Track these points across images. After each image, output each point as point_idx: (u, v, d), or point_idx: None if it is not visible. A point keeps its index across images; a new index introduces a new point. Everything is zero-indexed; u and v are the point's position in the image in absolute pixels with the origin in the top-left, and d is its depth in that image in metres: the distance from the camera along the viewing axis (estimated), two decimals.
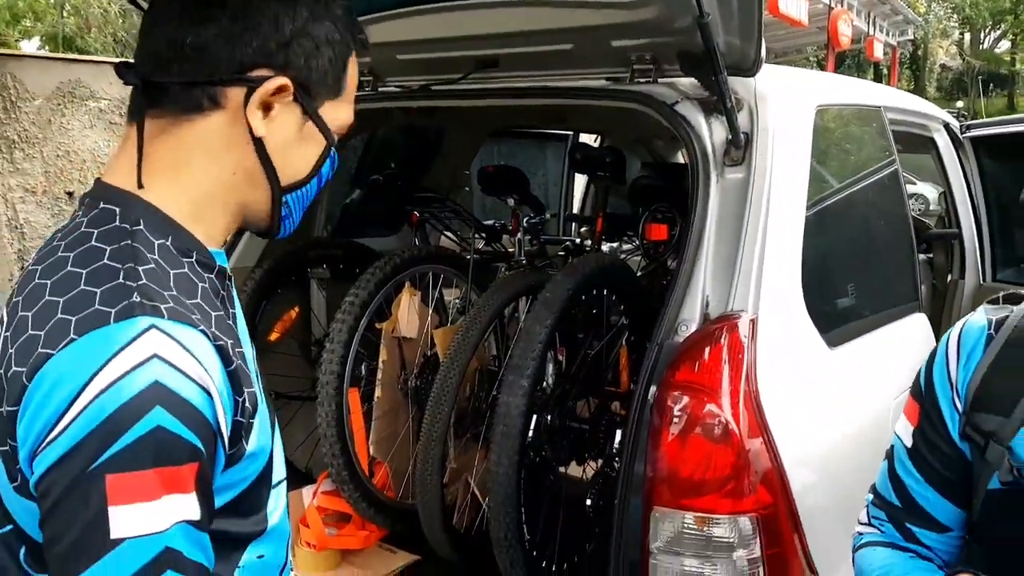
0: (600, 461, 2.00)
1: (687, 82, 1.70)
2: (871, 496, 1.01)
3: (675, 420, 1.32)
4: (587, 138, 4.76)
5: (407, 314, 2.14)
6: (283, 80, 0.74)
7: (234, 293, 0.84)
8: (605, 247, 3.23)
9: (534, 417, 1.91)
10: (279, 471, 0.84)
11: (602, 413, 2.03)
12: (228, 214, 0.79)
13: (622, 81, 1.79)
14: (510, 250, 2.80)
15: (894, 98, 2.45)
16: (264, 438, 0.76)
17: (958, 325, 0.94)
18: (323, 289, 2.52)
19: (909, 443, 0.95)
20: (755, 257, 1.43)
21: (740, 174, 1.56)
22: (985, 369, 0.87)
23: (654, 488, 1.33)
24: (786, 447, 1.34)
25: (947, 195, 3.04)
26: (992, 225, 3.01)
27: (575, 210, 4.30)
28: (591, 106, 1.84)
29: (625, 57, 1.76)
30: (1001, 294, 0.94)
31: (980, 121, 3.03)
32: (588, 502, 1.87)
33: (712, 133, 1.62)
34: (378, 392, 2.08)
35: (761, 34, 1.47)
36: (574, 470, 2.08)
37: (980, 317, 0.92)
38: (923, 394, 0.94)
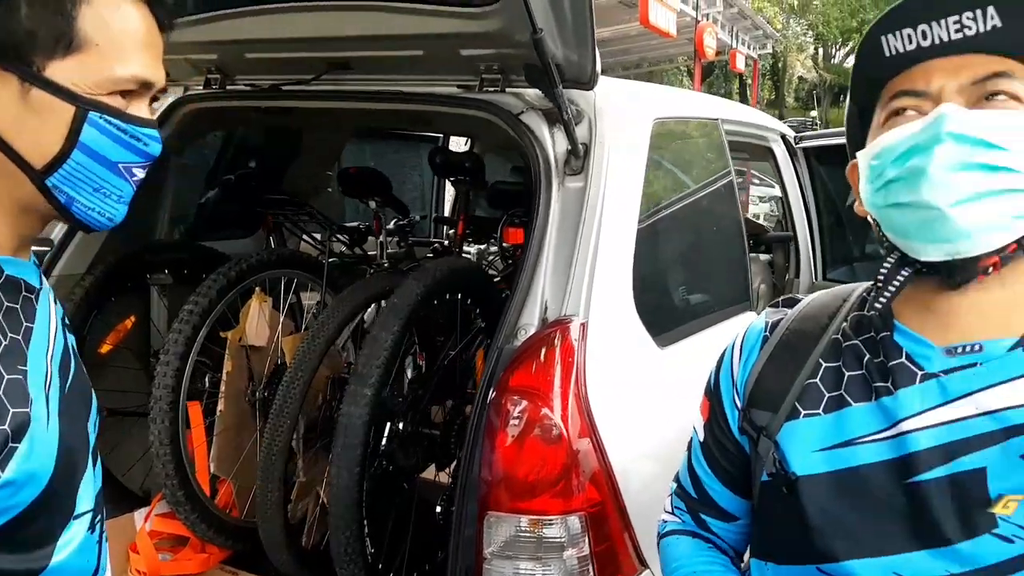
0: (454, 466, 2.02)
1: (533, 93, 1.75)
2: (674, 485, 1.07)
3: (510, 424, 1.36)
4: (459, 141, 4.80)
5: (256, 322, 2.08)
6: None
7: (39, 304, 0.77)
8: (472, 249, 3.27)
9: (387, 425, 1.91)
10: (84, 502, 0.78)
11: (456, 417, 2.05)
12: (3, 214, 0.73)
13: (472, 89, 1.82)
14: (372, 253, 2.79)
15: (732, 111, 2.61)
16: (39, 464, 0.70)
17: (741, 329, 1.01)
18: (164, 296, 2.38)
19: (701, 437, 1.02)
20: (587, 263, 1.50)
21: (579, 183, 1.63)
22: (760, 368, 0.93)
23: (490, 492, 1.37)
24: (614, 446, 1.41)
25: (784, 200, 3.28)
26: (823, 228, 3.28)
27: (447, 212, 4.33)
28: (444, 112, 1.85)
29: (474, 66, 1.79)
30: (781, 298, 1.02)
31: (811, 133, 3.28)
32: (439, 509, 1.88)
33: (555, 143, 1.68)
34: (221, 405, 2.00)
35: (595, 49, 1.53)
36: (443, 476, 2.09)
37: (760, 320, 0.99)
38: (712, 392, 1.01)
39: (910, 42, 0.77)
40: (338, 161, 3.38)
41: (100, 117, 0.73)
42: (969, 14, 0.73)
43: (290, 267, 2.23)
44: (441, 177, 2.58)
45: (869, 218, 0.83)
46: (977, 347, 0.79)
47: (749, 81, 24.83)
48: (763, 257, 3.69)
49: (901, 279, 0.79)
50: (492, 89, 1.77)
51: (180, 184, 2.59)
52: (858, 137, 0.87)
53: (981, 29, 0.74)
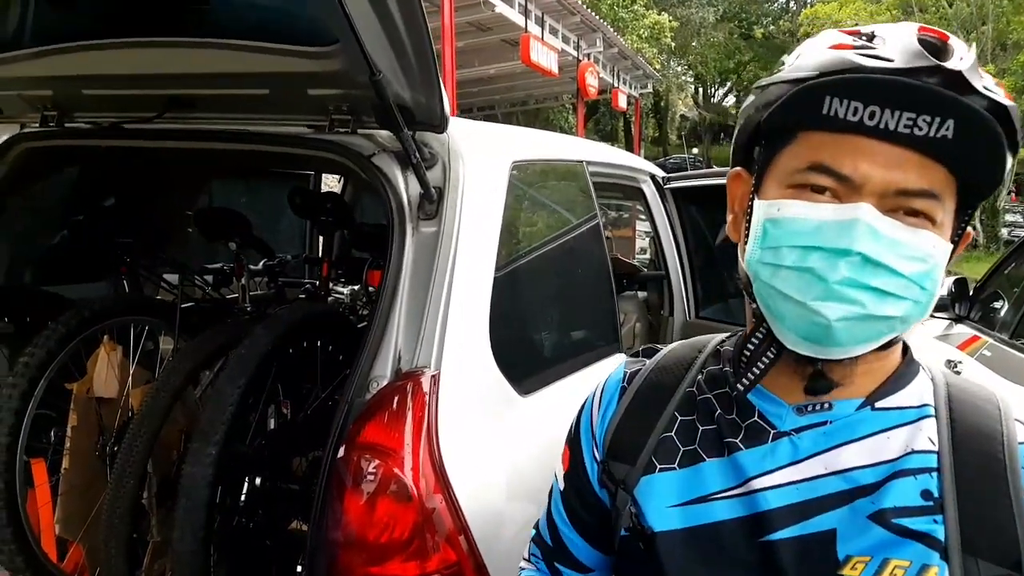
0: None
1: (386, 135, 1.70)
2: (534, 532, 1.04)
3: (357, 482, 1.28)
4: (332, 179, 4.67)
5: (104, 373, 1.92)
6: None
7: None
8: (346, 291, 3.16)
9: (244, 480, 1.79)
10: None
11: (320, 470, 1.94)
12: None
13: (322, 130, 1.75)
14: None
15: (599, 153, 2.65)
16: None
17: (603, 378, 0.99)
18: (3, 345, 2.20)
19: (562, 487, 0.99)
20: (440, 311, 1.44)
21: (432, 228, 1.58)
22: (618, 420, 0.92)
23: (340, 556, 1.28)
24: (472, 501, 1.35)
25: (655, 239, 3.35)
26: (694, 267, 3.36)
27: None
28: (293, 154, 1.77)
29: (324, 106, 1.73)
30: (641, 347, 1.01)
31: (678, 174, 3.38)
32: (299, 568, 1.77)
33: (408, 186, 1.63)
34: (65, 463, 1.84)
35: (441, 91, 1.50)
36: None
37: (619, 370, 0.98)
38: (572, 441, 0.99)
39: (854, 115, 0.70)
40: (208, 199, 3.24)
41: None
42: (927, 117, 0.68)
43: (139, 313, 2.08)
44: (302, 218, 2.49)
45: (740, 264, 0.80)
46: (827, 405, 0.79)
47: (633, 119, 25.81)
48: (640, 295, 3.76)
49: (767, 361, 0.78)
50: (343, 130, 1.71)
51: (23, 226, 2.39)
52: (743, 153, 0.84)
53: (931, 134, 0.68)
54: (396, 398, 1.34)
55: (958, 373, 3.59)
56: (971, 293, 3.92)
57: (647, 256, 7.47)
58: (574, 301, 2.13)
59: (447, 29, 9.95)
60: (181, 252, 2.60)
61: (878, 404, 0.79)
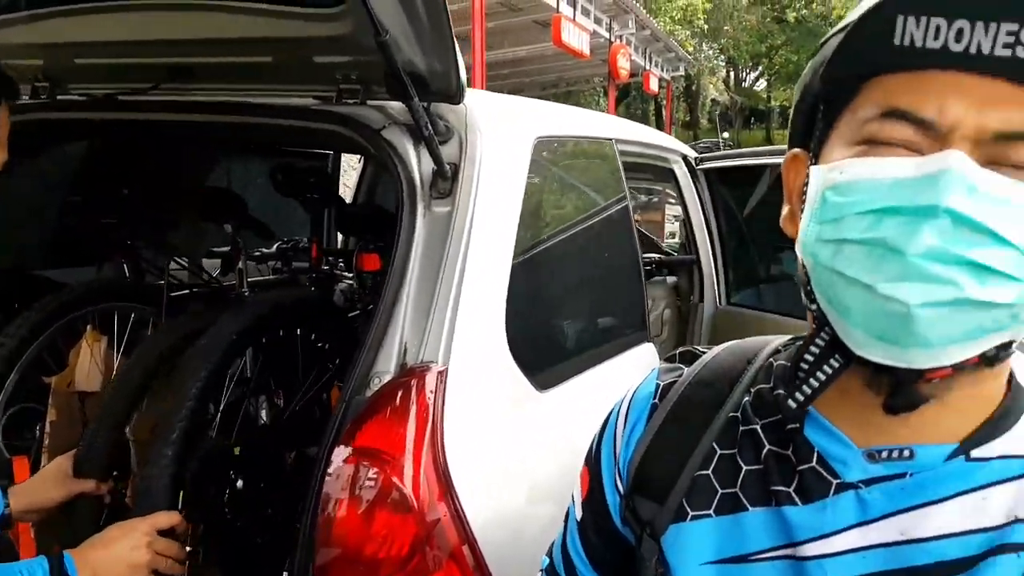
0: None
1: (398, 106, 1.56)
2: (546, 560, 0.88)
3: (351, 490, 1.16)
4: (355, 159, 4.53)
5: (87, 364, 1.81)
6: None
7: None
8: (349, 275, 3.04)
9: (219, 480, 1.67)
10: None
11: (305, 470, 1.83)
12: None
13: (329, 101, 1.62)
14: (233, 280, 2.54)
15: (629, 131, 2.49)
16: None
17: (632, 388, 0.82)
18: None
19: (579, 516, 0.83)
20: (450, 300, 1.31)
21: (446, 208, 1.44)
22: (646, 445, 0.74)
23: (328, 572, 1.16)
24: (481, 513, 1.22)
25: (686, 223, 3.18)
26: (726, 250, 3.19)
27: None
28: (298, 127, 1.64)
29: (331, 75, 1.59)
30: (678, 351, 0.84)
31: (712, 154, 3.21)
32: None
33: (420, 162, 1.49)
34: (44, 461, 1.73)
35: (458, 58, 1.36)
36: None
37: (651, 381, 0.79)
38: (592, 463, 0.82)
39: (935, 38, 0.51)
40: (221, 179, 3.14)
41: None
42: None
43: (125, 300, 1.96)
44: (286, 196, 2.36)
45: (800, 257, 0.61)
46: (907, 452, 0.61)
47: (664, 103, 25.40)
48: (669, 280, 3.60)
49: (829, 371, 0.59)
50: (351, 101, 1.57)
51: (11, 206, 2.29)
52: (803, 131, 0.65)
53: None
54: (397, 397, 1.21)
55: None
56: None
57: (676, 241, 7.27)
58: (600, 288, 1.98)
59: (477, 9, 9.76)
60: (188, 235, 2.49)
61: (975, 452, 0.60)
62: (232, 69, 1.71)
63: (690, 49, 24.29)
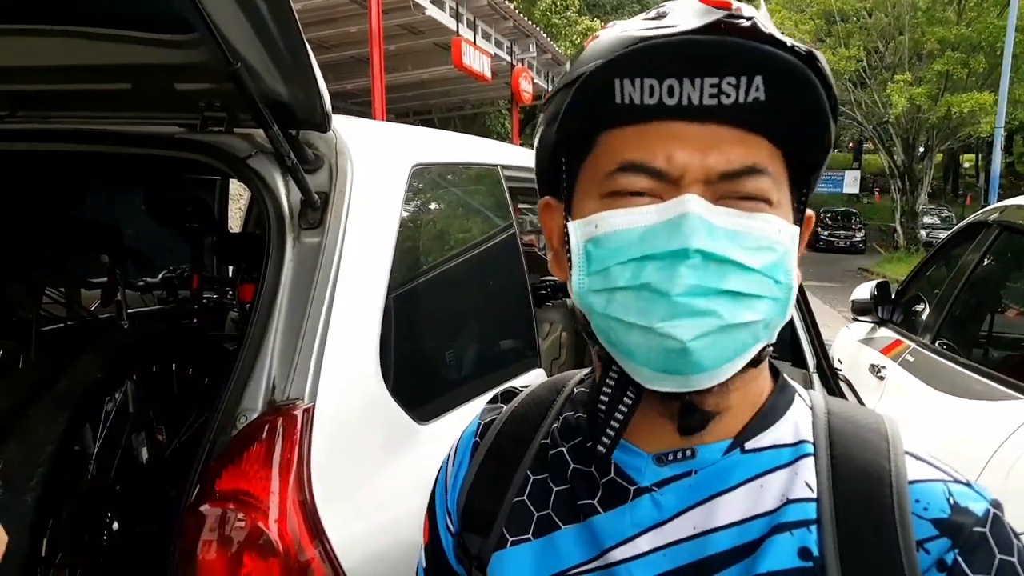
0: None
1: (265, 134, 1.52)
2: None
3: (212, 535, 1.10)
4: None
5: None
6: None
7: None
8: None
9: (115, 525, 1.58)
10: None
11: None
12: None
13: (194, 129, 1.56)
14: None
15: (517, 157, 2.51)
16: None
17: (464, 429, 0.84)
18: None
19: (424, 562, 0.84)
20: (317, 333, 1.27)
21: (315, 239, 1.41)
22: (470, 483, 0.77)
23: None
24: (353, 550, 1.18)
25: None
26: None
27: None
28: (158, 155, 1.57)
29: (194, 102, 1.54)
30: (500, 390, 0.85)
31: None
32: None
33: (289, 192, 1.45)
34: None
35: (320, 86, 1.33)
36: None
37: (474, 422, 0.82)
38: (430, 510, 0.84)
39: (651, 95, 0.58)
40: (109, 208, 3.01)
41: None
42: (731, 79, 0.57)
43: None
44: (163, 226, 2.26)
45: (577, 305, 0.65)
46: (689, 452, 0.65)
47: None
48: (569, 302, 3.63)
49: (625, 410, 0.64)
50: (216, 129, 1.52)
51: None
52: (550, 179, 0.70)
53: (741, 99, 0.57)
54: (263, 436, 1.16)
55: (882, 379, 3.57)
56: (893, 296, 3.93)
57: None
58: (485, 315, 1.97)
59: (375, 32, 9.70)
60: (57, 267, 2.35)
61: (748, 445, 0.66)
62: (90, 96, 1.63)
63: None
